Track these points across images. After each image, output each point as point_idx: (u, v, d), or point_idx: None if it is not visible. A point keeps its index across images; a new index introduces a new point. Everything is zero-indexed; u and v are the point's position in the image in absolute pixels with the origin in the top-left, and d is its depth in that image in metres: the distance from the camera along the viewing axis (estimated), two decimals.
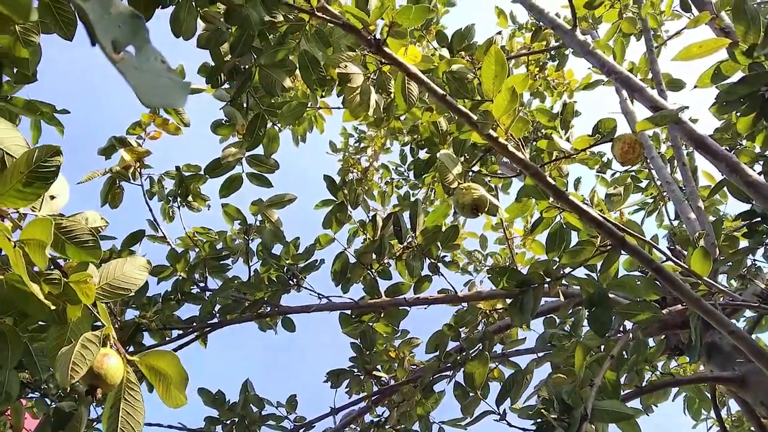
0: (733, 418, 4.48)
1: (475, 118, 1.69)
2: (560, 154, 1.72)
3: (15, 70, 1.79)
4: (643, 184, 4.31)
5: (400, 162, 5.12)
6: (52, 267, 1.10)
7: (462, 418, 2.92)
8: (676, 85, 2.97)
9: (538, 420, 1.41)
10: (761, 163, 2.46)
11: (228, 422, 2.77)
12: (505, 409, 1.57)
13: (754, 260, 2.64)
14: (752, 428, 2.70)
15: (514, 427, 1.51)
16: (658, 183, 3.80)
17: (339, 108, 4.34)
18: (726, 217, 3.43)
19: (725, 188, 2.72)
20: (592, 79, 4.16)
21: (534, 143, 3.61)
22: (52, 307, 1.02)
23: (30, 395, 2.73)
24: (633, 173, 4.31)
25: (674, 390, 3.24)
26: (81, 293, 1.09)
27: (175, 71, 0.45)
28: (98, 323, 1.14)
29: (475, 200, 1.53)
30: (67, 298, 1.09)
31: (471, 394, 1.72)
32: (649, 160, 3.31)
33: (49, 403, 2.67)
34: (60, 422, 2.45)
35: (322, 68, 1.96)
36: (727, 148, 2.23)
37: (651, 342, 2.36)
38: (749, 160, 2.40)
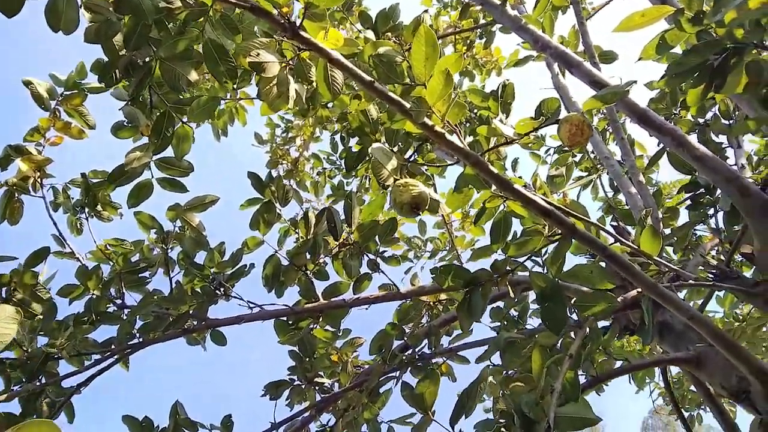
0: (673, 380, 4.58)
1: (408, 105, 1.52)
2: (501, 141, 1.58)
3: None
4: (578, 158, 4.29)
5: (331, 150, 4.92)
6: None
7: (410, 415, 2.80)
8: (609, 57, 2.90)
9: None
10: (697, 132, 2.42)
11: None
12: (460, 429, 1.43)
13: (695, 231, 2.61)
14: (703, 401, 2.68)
15: None
16: (593, 156, 3.77)
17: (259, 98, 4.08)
18: (662, 186, 3.42)
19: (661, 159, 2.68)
20: (520, 56, 4.07)
21: (467, 125, 3.48)
22: None
23: None
24: (566, 149, 4.27)
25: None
26: None
27: None
28: None
29: (414, 198, 1.36)
30: None
31: (422, 416, 1.57)
32: None
33: None
34: None
35: (232, 58, 1.74)
36: (665, 118, 2.15)
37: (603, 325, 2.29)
38: (686, 130, 2.35)
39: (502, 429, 1.28)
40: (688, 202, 2.26)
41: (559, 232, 1.64)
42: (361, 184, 4.88)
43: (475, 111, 3.50)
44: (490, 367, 1.72)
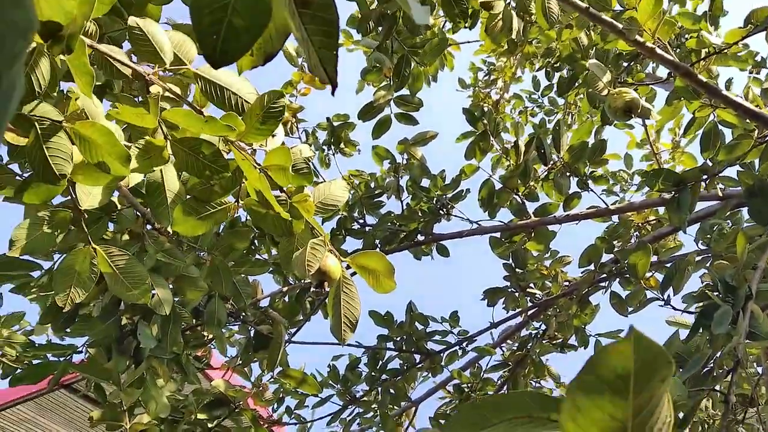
0: None
1: (620, 26, 1.74)
2: (711, 50, 1.73)
3: None
4: None
5: (533, 89, 5.09)
6: (279, 191, 1.37)
7: (619, 330, 3.02)
8: None
9: (703, 303, 1.50)
10: None
11: (398, 339, 3.09)
12: (669, 295, 1.66)
13: None
14: None
15: (678, 310, 1.61)
16: None
17: (467, 42, 4.41)
18: None
19: None
20: None
21: (678, 50, 3.47)
22: (288, 219, 1.29)
23: (230, 325, 3.21)
24: None
25: None
26: (303, 210, 1.35)
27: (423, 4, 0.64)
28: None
29: (627, 102, 1.60)
30: (293, 215, 1.37)
31: (636, 286, 1.83)
32: None
33: (248, 328, 3.13)
34: (260, 343, 2.89)
35: (464, 1, 2.09)
36: None
37: None
38: None
39: (706, 292, 1.50)
40: None
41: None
42: (564, 120, 5.01)
43: (687, 36, 3.45)
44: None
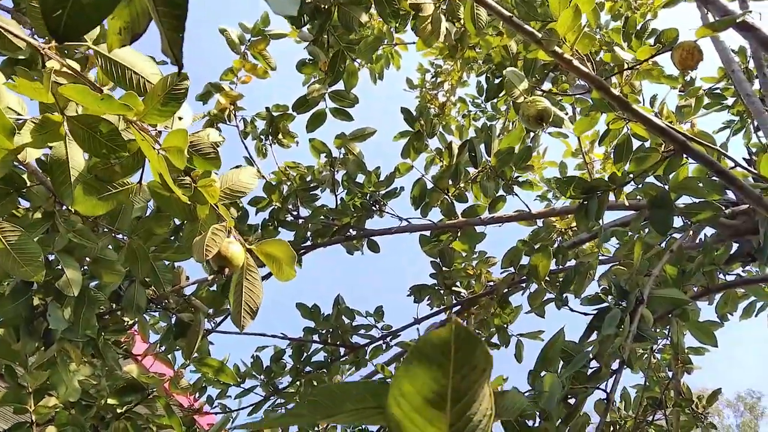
0: None
1: (540, 36, 1.80)
2: (624, 66, 1.81)
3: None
4: (730, 102, 4.18)
5: (477, 94, 5.19)
6: (183, 174, 1.37)
7: (540, 331, 3.12)
8: None
9: (598, 306, 1.58)
10: None
11: (324, 332, 3.10)
12: (566, 296, 1.74)
13: None
14: None
15: (576, 311, 1.68)
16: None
17: (413, 43, 4.45)
18: None
19: None
20: None
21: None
22: (189, 204, 1.29)
23: (152, 311, 3.15)
24: (719, 90, 4.18)
25: (757, 305, 3.25)
26: (208, 195, 1.35)
27: None
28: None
29: (539, 111, 1.66)
30: (197, 200, 1.36)
31: (536, 286, 1.90)
32: (730, 75, 3.24)
33: (170, 315, 3.08)
34: (181, 330, 2.85)
35: (396, 1, 2.12)
36: None
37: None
38: None
39: (601, 296, 1.58)
40: None
41: (673, 148, 1.86)
42: (504, 127, 5.13)
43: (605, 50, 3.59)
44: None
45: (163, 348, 3.01)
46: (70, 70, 1.12)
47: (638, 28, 2.36)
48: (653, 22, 2.96)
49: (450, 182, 3.06)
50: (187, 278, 3.08)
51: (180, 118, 1.33)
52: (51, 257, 2.09)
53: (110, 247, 2.28)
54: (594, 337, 1.61)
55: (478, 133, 5.12)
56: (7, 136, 0.95)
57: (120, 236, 2.23)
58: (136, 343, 3.12)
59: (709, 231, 2.42)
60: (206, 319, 3.16)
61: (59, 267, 2.08)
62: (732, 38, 3.53)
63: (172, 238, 2.91)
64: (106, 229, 2.20)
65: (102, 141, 1.16)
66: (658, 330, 2.24)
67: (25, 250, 1.26)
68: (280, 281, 1.36)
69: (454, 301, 3.08)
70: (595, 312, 1.58)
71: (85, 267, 2.23)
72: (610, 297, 1.56)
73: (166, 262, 2.37)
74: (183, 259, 2.43)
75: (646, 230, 2.04)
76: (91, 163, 1.31)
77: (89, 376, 2.66)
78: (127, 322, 2.75)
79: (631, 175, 1.97)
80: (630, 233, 2.02)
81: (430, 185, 3.08)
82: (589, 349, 1.47)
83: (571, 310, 1.70)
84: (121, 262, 2.22)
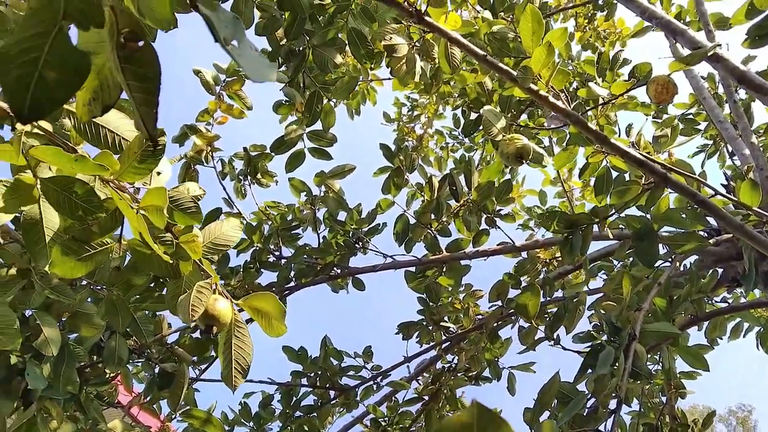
0: None
1: (515, 74, 1.82)
2: (599, 101, 1.82)
3: None
4: (702, 126, 4.27)
5: (453, 126, 5.24)
6: (163, 231, 1.33)
7: (531, 363, 3.09)
8: (723, 23, 2.94)
9: (590, 343, 1.56)
10: None
11: (312, 375, 3.04)
12: (558, 335, 1.72)
13: None
14: None
15: (569, 350, 1.66)
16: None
17: (389, 79, 4.49)
18: None
19: None
20: (643, 26, 4.12)
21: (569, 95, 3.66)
22: (170, 262, 1.25)
23: (135, 361, 3.07)
24: (691, 116, 4.27)
25: (744, 326, 3.27)
26: (190, 251, 1.32)
27: (263, 55, 0.64)
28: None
29: (518, 149, 1.66)
30: (179, 256, 1.33)
31: (527, 325, 1.88)
32: (701, 101, 3.31)
33: (153, 365, 3.00)
34: (165, 381, 2.77)
35: (370, 42, 2.13)
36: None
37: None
38: None
39: (593, 333, 1.56)
40: None
41: (653, 180, 1.87)
42: (482, 158, 5.16)
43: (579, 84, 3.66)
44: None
45: (148, 398, 2.92)
46: (41, 131, 1.09)
47: (610, 58, 2.40)
48: (624, 52, 3.04)
49: (432, 216, 3.05)
50: (169, 326, 3.01)
51: (158, 173, 1.30)
52: (27, 313, 2.03)
53: (89, 299, 2.22)
54: (589, 372, 1.59)
55: (457, 165, 5.16)
56: None
57: (98, 287, 2.18)
58: (119, 393, 3.03)
59: (692, 257, 2.43)
60: (190, 367, 3.08)
61: (37, 323, 2.01)
62: (701, 66, 3.62)
63: (152, 285, 2.84)
64: (83, 283, 2.15)
65: (77, 202, 1.13)
66: (649, 356, 2.23)
67: None
68: (270, 337, 1.32)
69: (444, 337, 3.05)
70: (588, 349, 1.56)
71: (63, 319, 2.17)
72: (601, 333, 1.55)
73: (147, 312, 2.32)
74: (164, 309, 2.37)
75: (630, 260, 2.03)
76: (67, 223, 1.27)
77: None
78: (109, 373, 2.67)
79: (613, 208, 1.98)
80: (617, 268, 2.02)
81: (412, 220, 3.07)
82: (584, 388, 1.44)
83: (564, 348, 1.68)
84: (100, 315, 2.16)
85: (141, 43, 0.55)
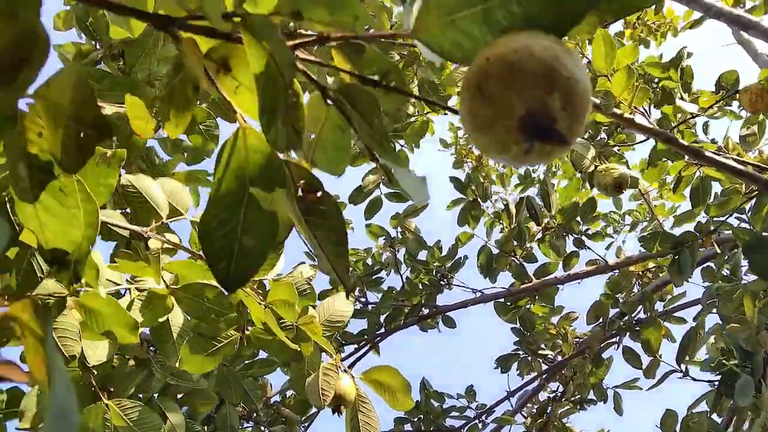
0: None
1: (597, 101, 1.78)
2: (687, 116, 1.77)
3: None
4: None
5: None
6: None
7: (635, 380, 2.98)
8: None
9: (721, 371, 1.49)
10: None
11: (415, 419, 3.02)
12: (686, 366, 1.65)
13: None
14: None
15: (699, 380, 1.59)
16: None
17: (449, 108, 4.49)
18: None
19: None
20: (694, 16, 3.99)
21: (651, 97, 3.55)
22: (295, 348, 1.28)
23: (245, 426, 3.13)
24: None
25: None
26: (310, 332, 1.34)
27: (420, 177, 0.65)
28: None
29: (616, 179, 1.63)
30: (300, 338, 1.35)
31: (651, 358, 1.82)
32: None
33: (263, 430, 3.05)
34: None
35: (441, 88, 2.14)
36: None
37: None
38: None
39: (723, 360, 1.49)
40: None
41: (756, 189, 1.79)
42: (548, 169, 5.07)
43: (657, 81, 3.55)
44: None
45: None
46: (171, 245, 1.14)
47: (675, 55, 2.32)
48: (679, 43, 2.92)
49: (515, 243, 3.01)
50: (270, 386, 3.07)
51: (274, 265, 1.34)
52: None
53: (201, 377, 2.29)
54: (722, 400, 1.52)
55: (522, 180, 5.08)
56: (130, 331, 0.97)
57: None
58: None
59: None
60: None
61: (162, 411, 2.09)
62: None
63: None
64: None
65: (210, 306, 1.17)
66: None
67: (147, 423, 1.27)
68: (395, 410, 1.32)
69: (543, 366, 2.98)
70: (719, 377, 1.49)
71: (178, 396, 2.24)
72: (732, 360, 1.48)
73: (254, 379, 2.37)
74: (269, 372, 2.42)
75: (733, 266, 1.93)
76: (194, 323, 1.32)
77: None
78: None
79: (716, 221, 1.90)
80: (728, 274, 1.93)
81: (494, 250, 3.04)
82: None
83: (694, 379, 1.61)
84: (211, 388, 2.22)
85: (319, 194, 0.57)
